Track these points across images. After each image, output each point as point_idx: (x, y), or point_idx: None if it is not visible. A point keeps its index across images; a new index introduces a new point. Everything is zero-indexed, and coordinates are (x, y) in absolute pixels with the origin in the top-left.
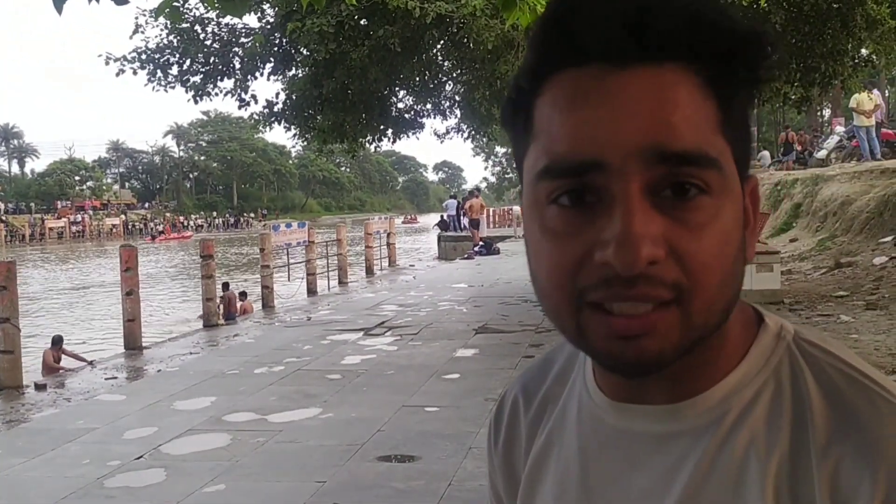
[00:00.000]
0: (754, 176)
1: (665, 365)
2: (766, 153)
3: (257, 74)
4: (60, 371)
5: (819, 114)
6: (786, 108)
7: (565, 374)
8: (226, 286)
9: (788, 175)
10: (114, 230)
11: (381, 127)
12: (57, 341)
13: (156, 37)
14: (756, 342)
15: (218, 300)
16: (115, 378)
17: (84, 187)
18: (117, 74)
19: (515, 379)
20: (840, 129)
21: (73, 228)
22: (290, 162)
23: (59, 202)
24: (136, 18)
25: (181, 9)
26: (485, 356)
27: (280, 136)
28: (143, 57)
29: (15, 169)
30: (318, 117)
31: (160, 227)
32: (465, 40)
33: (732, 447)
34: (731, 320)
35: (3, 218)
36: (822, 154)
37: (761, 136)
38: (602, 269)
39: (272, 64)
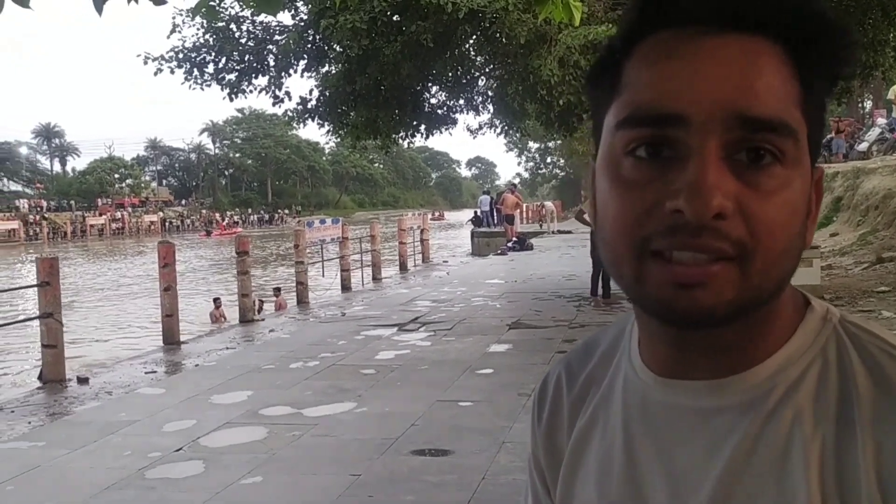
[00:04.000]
0: (821, 167)
1: (716, 320)
2: None
3: (291, 71)
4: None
5: (860, 105)
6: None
7: (610, 355)
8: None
9: (829, 168)
10: (152, 227)
11: (414, 123)
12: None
13: (192, 36)
14: (803, 323)
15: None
16: (155, 372)
17: (123, 185)
18: (155, 73)
19: (559, 359)
20: (882, 120)
21: (113, 225)
22: (324, 158)
23: (99, 199)
24: (174, 18)
25: (217, 7)
26: (518, 351)
27: (314, 132)
28: (181, 56)
29: (57, 167)
30: (352, 113)
31: (213, 223)
32: (498, 35)
33: (778, 423)
34: (784, 302)
35: (46, 215)
36: (863, 146)
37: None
38: (671, 217)
39: (306, 61)
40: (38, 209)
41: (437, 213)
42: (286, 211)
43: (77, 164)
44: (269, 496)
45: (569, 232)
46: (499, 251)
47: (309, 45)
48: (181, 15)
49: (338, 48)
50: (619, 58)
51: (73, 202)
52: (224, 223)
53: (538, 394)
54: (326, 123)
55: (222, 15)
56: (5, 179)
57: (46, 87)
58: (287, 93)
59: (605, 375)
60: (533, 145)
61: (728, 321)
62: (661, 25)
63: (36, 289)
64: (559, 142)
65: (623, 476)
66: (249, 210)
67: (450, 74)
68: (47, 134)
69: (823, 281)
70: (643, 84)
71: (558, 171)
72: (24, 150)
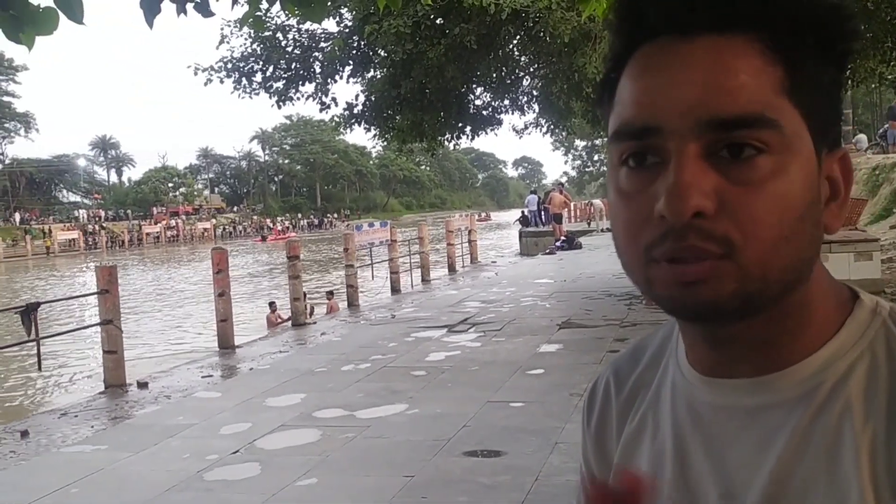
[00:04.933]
0: (843, 149)
1: (726, 313)
2: (862, 136)
3: (337, 77)
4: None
5: None
6: (882, 88)
7: (657, 358)
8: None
9: (888, 159)
10: (205, 233)
11: (460, 124)
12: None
13: (240, 46)
14: (851, 317)
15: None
16: (211, 376)
17: (177, 193)
18: (205, 84)
19: (608, 364)
20: None
21: (168, 233)
22: (371, 162)
23: (154, 208)
24: (222, 29)
25: (264, 17)
26: (569, 351)
27: (360, 137)
28: (229, 66)
29: (113, 178)
30: (397, 117)
31: (268, 229)
32: (542, 34)
33: (826, 419)
34: (816, 293)
35: (104, 225)
36: None
37: (857, 118)
38: (660, 223)
39: (351, 66)
40: (97, 219)
41: (482, 215)
42: (335, 215)
43: (133, 174)
44: (324, 498)
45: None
46: (547, 250)
47: (354, 51)
48: (229, 26)
49: (382, 53)
50: (613, 76)
51: (129, 211)
52: (279, 228)
53: (587, 399)
54: (372, 128)
55: (269, 24)
56: (65, 191)
57: (101, 99)
58: (333, 99)
59: (654, 378)
60: (579, 143)
61: (739, 313)
62: (641, 40)
63: (96, 296)
64: (606, 139)
65: (674, 478)
66: (299, 215)
67: (494, 75)
68: (103, 146)
69: (884, 275)
70: (626, 99)
71: (606, 168)
72: (82, 162)
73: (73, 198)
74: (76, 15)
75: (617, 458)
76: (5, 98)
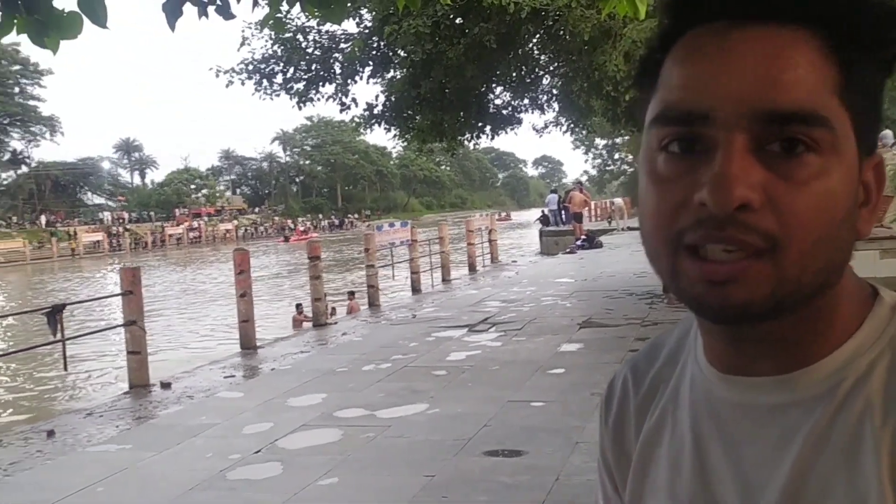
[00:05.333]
0: (879, 154)
1: (753, 316)
2: (888, 132)
3: (357, 78)
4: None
5: None
6: None
7: (675, 355)
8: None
9: None
10: (227, 235)
11: (479, 124)
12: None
13: (261, 48)
14: (871, 314)
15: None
16: (233, 376)
17: (199, 195)
18: (227, 85)
19: (625, 361)
20: None
21: (191, 234)
22: (392, 162)
23: (177, 210)
24: (243, 31)
25: (284, 19)
26: (590, 350)
27: (381, 137)
28: (250, 67)
29: (137, 180)
30: (417, 117)
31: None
32: (561, 32)
33: (846, 417)
34: (842, 293)
35: (128, 227)
36: None
37: (883, 113)
38: (698, 210)
39: (371, 67)
40: (121, 221)
41: (503, 214)
42: (356, 215)
43: (155, 176)
44: (345, 497)
45: (639, 228)
46: (568, 250)
47: (374, 52)
48: (250, 28)
49: (402, 53)
50: (658, 57)
51: (152, 213)
52: (301, 229)
53: (605, 396)
54: (392, 128)
55: (289, 26)
56: (90, 193)
57: (125, 102)
58: (353, 99)
59: (672, 375)
60: (600, 142)
61: (768, 316)
62: (693, 22)
63: (120, 298)
64: (627, 137)
65: (693, 475)
66: (320, 216)
67: (514, 74)
68: (127, 148)
69: None
70: (673, 83)
71: (627, 166)
72: (106, 165)
73: (98, 200)
74: (100, 19)
75: (636, 455)
76: (31, 102)
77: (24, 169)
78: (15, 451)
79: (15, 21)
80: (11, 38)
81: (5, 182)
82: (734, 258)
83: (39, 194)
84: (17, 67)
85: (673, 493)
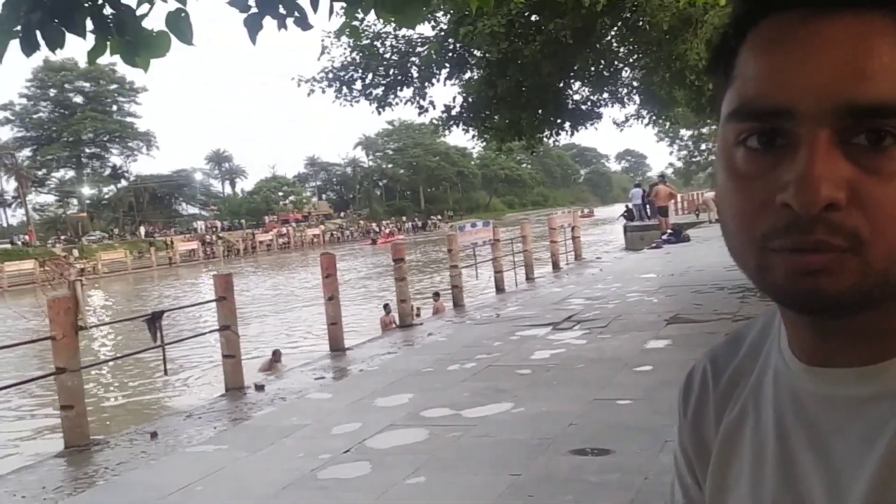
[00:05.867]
0: None
1: (842, 307)
2: None
3: (434, 80)
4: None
5: None
6: None
7: (758, 346)
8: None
9: None
10: (315, 240)
11: (558, 121)
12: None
13: (340, 56)
14: None
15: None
16: (323, 378)
17: (287, 202)
18: (308, 94)
19: (704, 353)
20: None
21: (280, 240)
22: (472, 163)
23: (266, 217)
24: (322, 41)
25: (360, 27)
26: (677, 347)
27: (460, 138)
28: (330, 76)
29: (227, 189)
30: (495, 117)
31: (377, 233)
32: (640, 23)
33: None
34: None
35: (221, 235)
36: None
37: None
38: (782, 212)
39: (447, 69)
40: (213, 229)
41: (585, 211)
42: (438, 217)
43: (245, 185)
44: (432, 496)
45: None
46: (653, 244)
47: (450, 54)
48: (329, 37)
49: (478, 54)
50: (733, 45)
51: (243, 221)
52: (387, 231)
53: (683, 387)
54: (471, 128)
55: (366, 33)
56: (184, 204)
57: (214, 114)
58: (431, 102)
59: (754, 368)
60: (685, 133)
61: (855, 308)
62: (768, 10)
63: (215, 304)
64: (713, 127)
65: (777, 468)
66: (404, 218)
67: (592, 69)
68: (217, 159)
69: None
70: (750, 75)
71: (714, 157)
72: (198, 176)
73: (192, 210)
74: (186, 37)
75: (717, 447)
76: (128, 118)
77: (124, 183)
78: (122, 452)
79: (108, 43)
80: (106, 58)
81: (107, 196)
82: (827, 254)
83: (138, 206)
84: (114, 86)
85: (756, 486)
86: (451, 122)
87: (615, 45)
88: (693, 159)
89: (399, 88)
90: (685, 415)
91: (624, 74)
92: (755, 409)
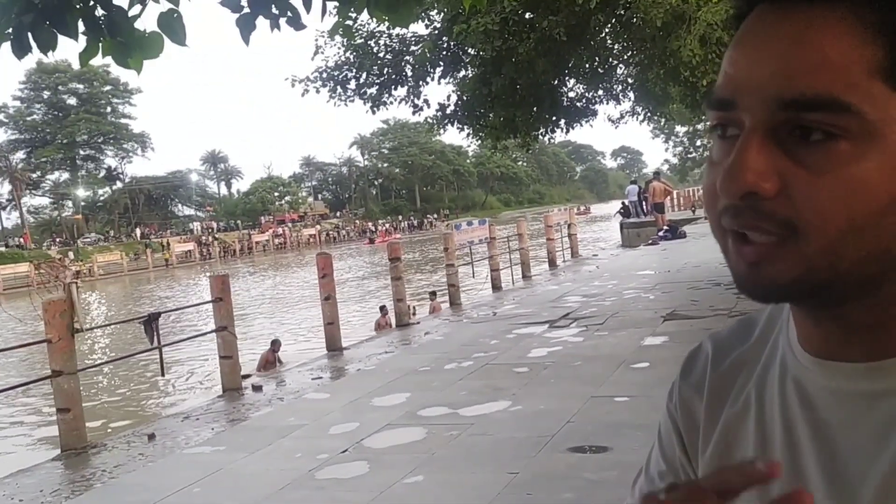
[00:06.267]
0: None
1: (793, 295)
2: None
3: (428, 79)
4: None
5: None
6: None
7: (765, 336)
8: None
9: None
10: (311, 240)
11: (553, 118)
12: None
13: (334, 55)
14: None
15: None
16: (321, 378)
17: (283, 202)
18: (302, 94)
19: (711, 334)
20: None
21: (276, 241)
22: (468, 161)
23: (262, 217)
24: (316, 41)
25: (353, 26)
26: (675, 343)
27: (456, 136)
28: (324, 75)
29: (223, 190)
30: (490, 115)
31: (375, 232)
32: (634, 20)
33: None
34: None
35: (217, 236)
36: None
37: None
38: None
39: (442, 67)
40: (210, 230)
41: (581, 208)
42: (434, 215)
43: (241, 185)
44: (431, 495)
45: None
46: (650, 241)
47: (444, 52)
48: (322, 37)
49: (472, 52)
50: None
51: (239, 221)
52: (384, 231)
53: (688, 357)
54: (465, 127)
55: (359, 32)
56: (180, 205)
57: (209, 115)
58: (426, 100)
59: (760, 356)
60: (680, 129)
61: (818, 299)
62: (755, 3)
63: (211, 305)
64: (708, 123)
65: (783, 460)
66: (400, 217)
67: (586, 66)
68: (213, 160)
69: None
70: (722, 66)
71: (709, 153)
72: (194, 177)
73: (188, 211)
74: (179, 38)
75: (718, 435)
76: (123, 120)
77: (119, 185)
78: (119, 455)
79: (100, 44)
80: (99, 60)
81: (102, 198)
82: (764, 240)
83: (134, 208)
84: (108, 88)
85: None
86: (446, 121)
87: (609, 42)
88: (688, 156)
89: (393, 87)
90: (686, 379)
91: (618, 71)
92: (759, 398)
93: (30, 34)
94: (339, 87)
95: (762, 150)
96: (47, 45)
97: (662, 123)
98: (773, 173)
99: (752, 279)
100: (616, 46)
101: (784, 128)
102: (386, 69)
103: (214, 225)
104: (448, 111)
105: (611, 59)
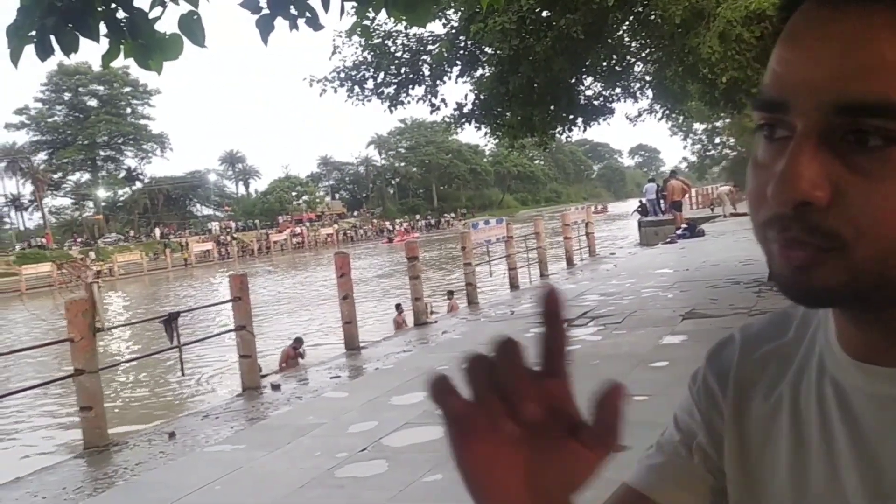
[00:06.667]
0: None
1: (838, 300)
2: None
3: (445, 78)
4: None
5: None
6: None
7: (801, 333)
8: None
9: None
10: (328, 239)
11: (570, 117)
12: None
13: (351, 55)
14: None
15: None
16: (339, 377)
17: (300, 201)
18: (320, 94)
19: (742, 325)
20: None
21: (294, 240)
22: (485, 160)
23: (280, 217)
24: (334, 41)
25: (371, 26)
26: (694, 342)
27: (472, 135)
28: (342, 75)
29: (241, 190)
30: (507, 114)
31: (393, 231)
32: (652, 17)
33: None
34: None
35: (235, 235)
36: None
37: None
38: (770, 204)
39: (459, 66)
40: (228, 230)
41: (599, 207)
42: (451, 214)
43: (259, 185)
44: (450, 493)
45: (744, 214)
46: (668, 239)
47: (461, 51)
48: (340, 37)
49: (489, 51)
50: (781, 27)
51: (257, 221)
52: (402, 230)
53: (716, 346)
54: (483, 126)
55: (377, 32)
56: (198, 205)
57: (227, 115)
58: (443, 100)
59: (796, 355)
60: (698, 127)
61: (864, 305)
62: (798, 3)
63: (230, 304)
64: (727, 120)
65: (819, 461)
66: (417, 216)
67: (604, 64)
68: (231, 160)
69: None
70: (770, 64)
71: (729, 150)
72: (212, 177)
73: (206, 211)
74: (199, 39)
75: (750, 430)
76: (142, 121)
77: (138, 185)
78: (140, 453)
79: (121, 46)
80: (120, 61)
81: (122, 198)
82: (813, 247)
83: (153, 208)
84: (127, 89)
85: (797, 476)
86: (464, 120)
87: (627, 39)
88: (707, 153)
89: (411, 87)
90: (711, 366)
91: (636, 69)
92: (794, 397)
93: (53, 37)
94: (356, 87)
95: (816, 157)
96: (70, 48)
97: (681, 121)
98: (827, 181)
99: (799, 284)
100: (634, 44)
101: (837, 132)
102: (403, 68)
103: (232, 225)
104: (465, 110)
105: (628, 57)
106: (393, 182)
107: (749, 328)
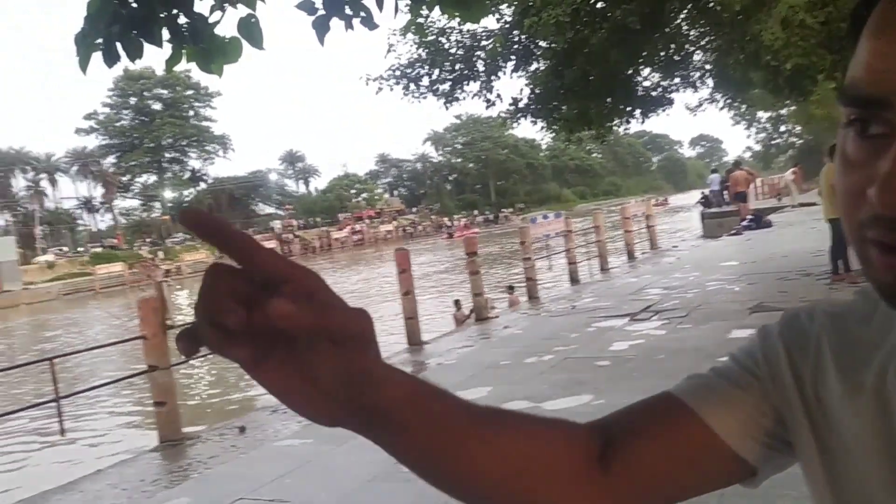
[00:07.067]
0: None
1: None
2: None
3: (500, 74)
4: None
5: None
6: None
7: (886, 323)
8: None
9: None
10: (388, 235)
11: (628, 109)
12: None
13: (406, 53)
14: None
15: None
16: None
17: (359, 199)
18: (377, 92)
19: (823, 303)
20: None
21: (354, 237)
22: (542, 154)
23: (340, 214)
24: (388, 39)
25: (425, 24)
26: None
27: (529, 130)
28: (398, 73)
29: (301, 188)
30: (563, 108)
31: (453, 227)
32: (710, 4)
33: None
34: None
35: (297, 233)
36: None
37: None
38: (872, 205)
39: (513, 61)
40: (290, 228)
41: (659, 199)
42: (509, 209)
43: (318, 183)
44: None
45: (812, 204)
46: (733, 231)
47: (515, 46)
48: (395, 35)
49: (543, 44)
50: (862, 12)
51: (318, 219)
52: (462, 225)
53: (790, 316)
54: (539, 120)
55: (430, 29)
56: (261, 204)
57: (286, 115)
58: (498, 95)
59: (882, 343)
60: (762, 115)
61: None
62: None
63: None
64: (793, 108)
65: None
66: (475, 211)
67: (661, 54)
68: (291, 159)
69: None
70: (859, 57)
71: (795, 139)
72: (273, 176)
73: (268, 209)
74: (258, 42)
75: (819, 415)
76: (204, 123)
77: (203, 185)
78: (213, 447)
79: (183, 51)
80: (182, 65)
81: (188, 199)
82: None
83: (217, 208)
84: (189, 92)
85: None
86: (519, 115)
87: (685, 28)
88: (772, 142)
89: (466, 83)
90: (782, 335)
91: (695, 58)
92: (879, 387)
93: (118, 43)
94: (412, 84)
95: None
96: (135, 54)
97: (743, 109)
98: None
99: None
100: (692, 32)
101: None
102: (458, 65)
103: (294, 223)
104: (521, 105)
105: (687, 46)
106: (450, 178)
107: (829, 307)
